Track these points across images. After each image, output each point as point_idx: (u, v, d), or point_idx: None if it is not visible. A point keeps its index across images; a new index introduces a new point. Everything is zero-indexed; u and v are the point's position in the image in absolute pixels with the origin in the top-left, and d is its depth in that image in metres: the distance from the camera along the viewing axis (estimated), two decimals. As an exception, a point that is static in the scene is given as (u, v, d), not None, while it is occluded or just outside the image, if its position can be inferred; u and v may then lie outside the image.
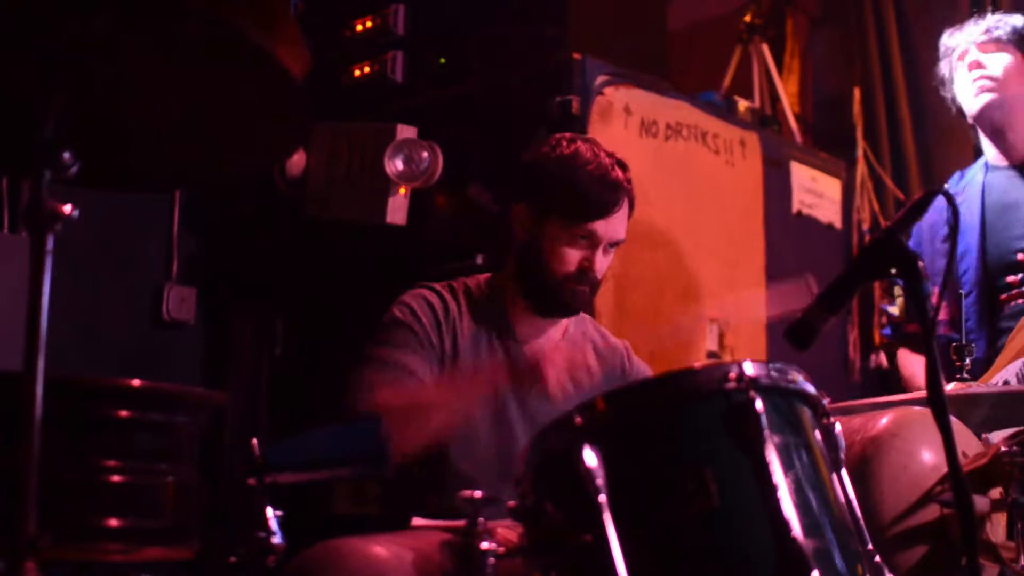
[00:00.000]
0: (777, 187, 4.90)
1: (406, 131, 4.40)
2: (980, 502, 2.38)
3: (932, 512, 2.38)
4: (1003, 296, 3.78)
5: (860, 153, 5.38)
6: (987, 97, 3.87)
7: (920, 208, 2.01)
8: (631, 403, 2.11)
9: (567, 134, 3.22)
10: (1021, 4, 5.19)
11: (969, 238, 3.87)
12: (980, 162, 4.05)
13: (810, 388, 2.16)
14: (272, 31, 1.75)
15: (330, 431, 2.23)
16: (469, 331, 3.14)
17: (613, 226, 3.13)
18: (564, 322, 3.29)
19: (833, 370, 4.97)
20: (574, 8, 4.55)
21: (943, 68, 4.05)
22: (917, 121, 5.64)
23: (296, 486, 2.17)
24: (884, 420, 2.50)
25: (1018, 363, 3.56)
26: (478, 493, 2.12)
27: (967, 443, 2.54)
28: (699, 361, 3.97)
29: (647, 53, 5.01)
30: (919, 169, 5.58)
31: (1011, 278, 3.76)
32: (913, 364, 4.00)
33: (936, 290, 3.87)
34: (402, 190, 4.38)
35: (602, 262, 3.15)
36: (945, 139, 5.49)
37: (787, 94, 5.64)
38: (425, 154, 4.32)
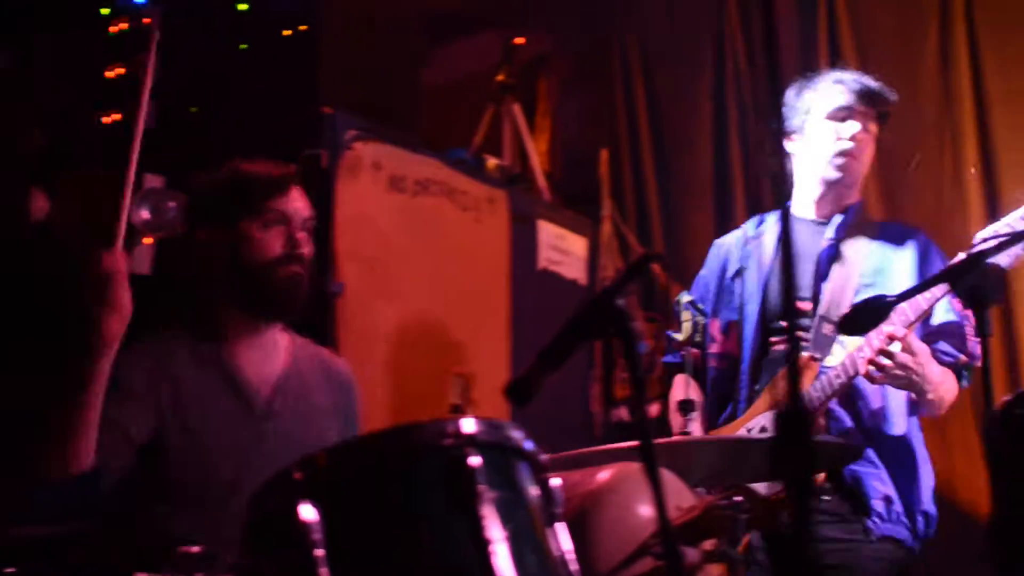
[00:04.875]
0: (524, 244, 4.99)
1: (153, 180, 4.34)
2: (692, 554, 2.46)
3: (646, 564, 2.45)
4: (774, 339, 3.91)
5: (606, 212, 5.50)
6: (853, 165, 3.96)
7: (634, 272, 2.08)
8: (350, 458, 2.13)
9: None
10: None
11: (757, 280, 3.98)
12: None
13: (528, 445, 2.21)
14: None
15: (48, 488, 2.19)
16: (191, 377, 3.13)
17: (296, 203, 3.22)
18: (286, 343, 3.31)
19: (575, 424, 5.06)
20: (327, 62, 4.58)
21: (797, 108, 4.05)
22: (661, 182, 5.83)
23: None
24: (603, 475, 2.57)
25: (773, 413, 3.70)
26: (195, 548, 2.10)
27: (681, 496, 2.62)
28: (429, 416, 3.99)
29: (400, 109, 5.07)
30: (662, 228, 5.76)
31: (785, 323, 3.87)
32: (682, 388, 4.09)
33: (716, 323, 4.03)
34: (147, 240, 4.31)
35: (305, 240, 3.20)
36: (687, 199, 5.68)
37: (537, 153, 5.75)
38: (172, 204, 4.27)
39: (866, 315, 2.67)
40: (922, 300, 3.46)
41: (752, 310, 3.94)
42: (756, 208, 5.02)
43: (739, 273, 4.05)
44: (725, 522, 2.44)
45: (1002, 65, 5.18)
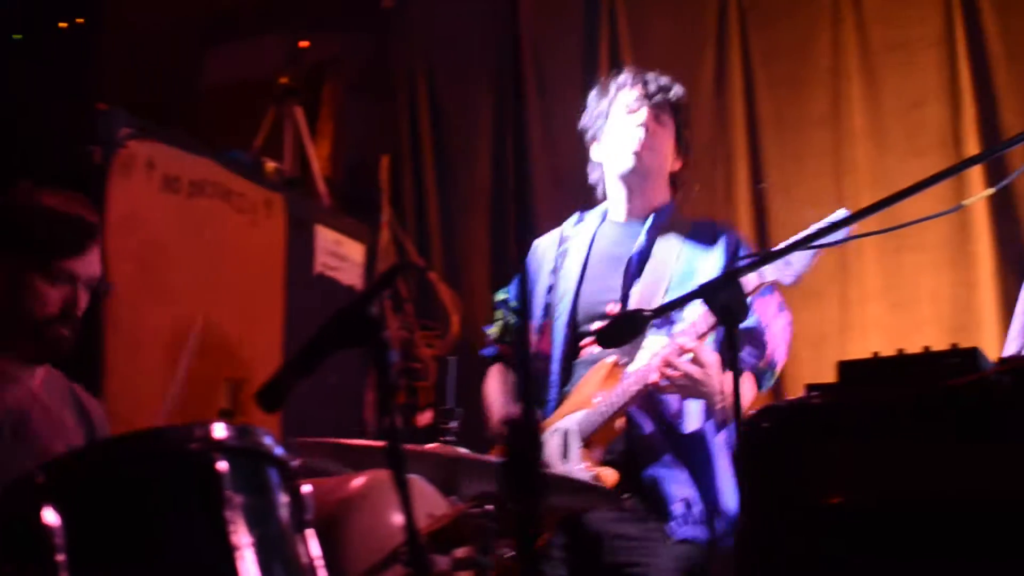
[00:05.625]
0: (301, 248, 4.97)
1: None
2: (442, 561, 2.49)
3: (396, 572, 2.47)
4: (584, 341, 3.93)
5: (385, 218, 5.52)
6: (646, 159, 3.99)
7: (387, 281, 2.10)
8: (94, 461, 2.10)
9: (27, 183, 3.22)
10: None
11: (569, 283, 4.00)
12: (599, 210, 4.16)
13: (279, 450, 2.21)
14: None
15: None
16: None
17: (90, 266, 3.14)
18: (40, 372, 3.25)
19: (351, 431, 5.05)
20: (103, 59, 4.48)
21: (593, 115, 4.09)
22: (441, 190, 5.87)
23: None
24: (356, 482, 2.59)
25: (580, 413, 3.73)
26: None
27: (435, 504, 2.64)
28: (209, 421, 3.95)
29: (180, 109, 5.00)
30: (440, 236, 5.80)
31: (595, 327, 3.91)
32: (497, 388, 4.10)
33: (533, 324, 4.05)
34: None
35: (83, 301, 3.15)
36: (466, 208, 5.73)
37: (319, 158, 5.73)
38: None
39: (624, 328, 2.73)
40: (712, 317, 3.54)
41: (563, 311, 3.96)
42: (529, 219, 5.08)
43: (553, 273, 4.08)
44: (476, 530, 2.46)
45: (773, 90, 5.37)
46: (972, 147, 4.89)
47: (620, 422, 3.72)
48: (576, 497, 3.35)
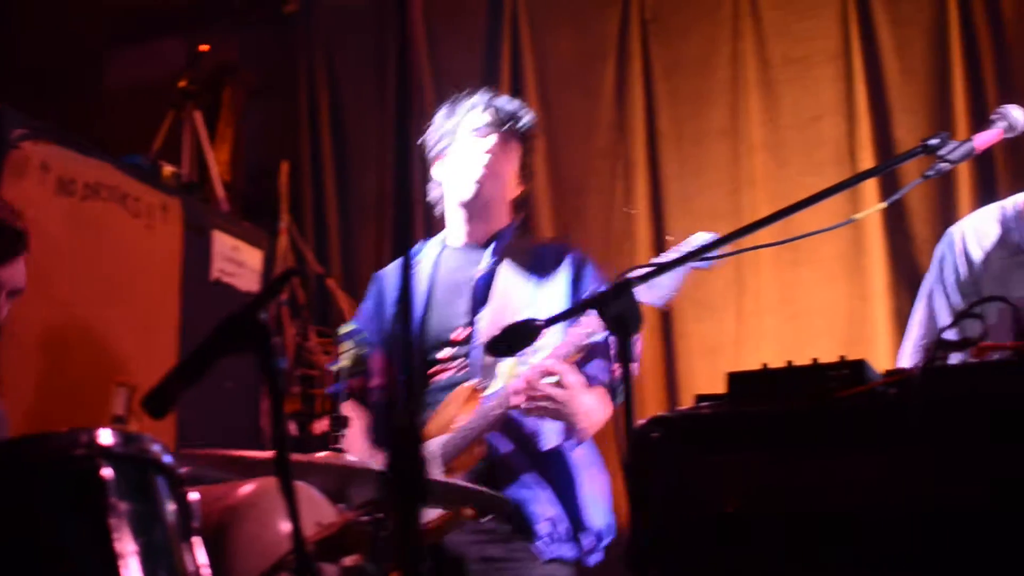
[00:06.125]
0: (197, 254, 4.91)
1: None
2: (329, 570, 2.47)
3: (283, 580, 2.45)
4: (432, 371, 3.91)
5: (283, 225, 5.48)
6: (489, 186, 3.97)
7: (278, 287, 2.08)
8: (-26, 467, 2.06)
9: None
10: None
11: (415, 312, 3.97)
12: (439, 238, 4.14)
13: (167, 458, 2.19)
14: None
15: None
16: None
17: (16, 275, 3.08)
18: None
19: (246, 438, 5.00)
20: (-1, 56, 4.41)
21: (439, 133, 4.08)
22: (341, 198, 5.84)
23: None
24: (244, 489, 2.56)
25: (442, 439, 3.72)
26: None
27: (323, 512, 2.63)
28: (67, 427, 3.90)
29: (78, 111, 4.93)
30: (340, 244, 5.77)
31: (442, 355, 3.90)
32: (352, 422, 4.06)
33: (377, 354, 4.01)
34: None
35: (4, 310, 3.09)
36: (365, 217, 5.71)
37: (218, 163, 5.68)
38: None
39: (515, 338, 2.73)
40: (582, 334, 3.55)
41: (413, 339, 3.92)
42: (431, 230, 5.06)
43: (395, 302, 4.05)
44: (364, 538, 2.45)
45: (673, 102, 5.42)
46: (867, 162, 4.97)
47: (481, 447, 3.71)
48: (462, 502, 3.34)
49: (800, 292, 5.09)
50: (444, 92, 5.63)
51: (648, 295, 3.39)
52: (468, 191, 3.98)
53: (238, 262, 5.13)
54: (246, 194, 5.89)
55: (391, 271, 4.19)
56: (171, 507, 2.19)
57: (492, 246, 4.00)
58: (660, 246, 5.27)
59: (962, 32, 4.98)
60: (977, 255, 3.44)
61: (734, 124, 5.28)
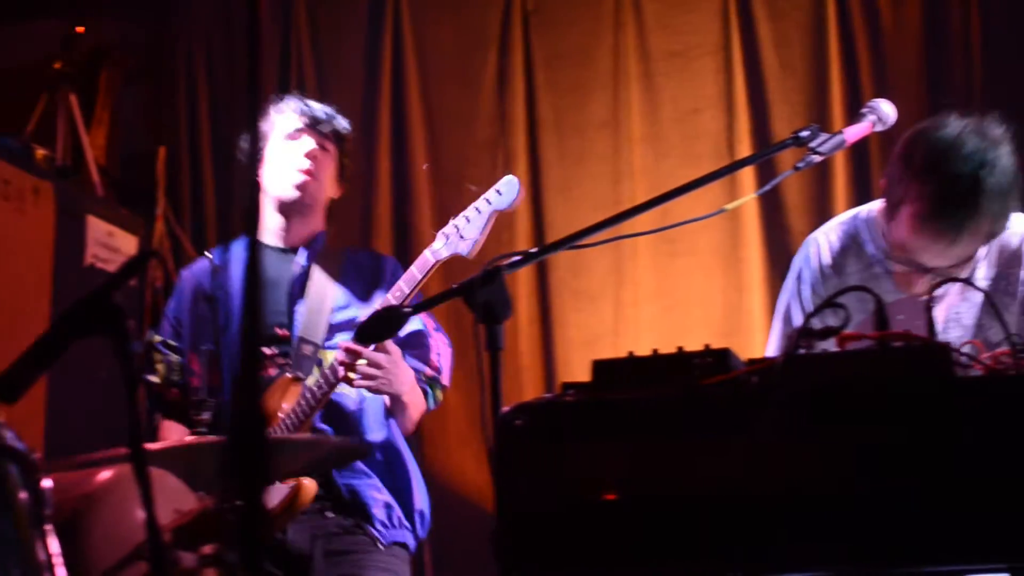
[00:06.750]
0: (71, 239, 4.80)
1: None
2: (187, 558, 2.43)
3: (141, 569, 2.41)
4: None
5: (160, 211, 5.40)
6: (310, 187, 3.96)
7: (133, 269, 2.04)
8: None
9: None
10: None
11: (231, 309, 3.94)
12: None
13: (19, 445, 2.14)
14: None
15: None
16: None
17: None
18: None
19: (120, 427, 4.91)
20: None
21: (261, 139, 4.04)
22: (220, 184, 5.77)
23: None
24: (101, 476, 2.51)
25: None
26: None
27: (182, 499, 2.59)
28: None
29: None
30: (217, 230, 5.70)
31: (266, 351, 3.88)
32: (172, 433, 4.00)
33: (195, 356, 3.98)
34: None
35: None
36: (242, 204, 5.64)
37: (94, 147, 5.57)
38: None
39: (382, 324, 2.71)
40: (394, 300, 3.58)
41: (230, 340, 3.90)
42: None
43: (210, 302, 4.01)
44: (223, 526, 2.42)
45: (554, 93, 5.43)
46: (746, 154, 5.03)
47: (308, 433, 3.72)
48: (311, 453, 3.35)
49: (678, 283, 5.13)
50: (327, 83, 5.65)
51: (460, 246, 3.47)
52: (288, 192, 3.99)
53: (113, 248, 5.04)
54: (122, 179, 5.78)
55: (197, 270, 4.18)
56: (23, 495, 2.13)
57: (307, 249, 4.03)
58: (539, 234, 5.29)
59: (839, 26, 5.07)
60: (833, 268, 3.46)
61: (614, 116, 5.31)
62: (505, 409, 2.32)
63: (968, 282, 3.23)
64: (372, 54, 5.64)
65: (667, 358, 2.26)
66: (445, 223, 5.18)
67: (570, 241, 2.88)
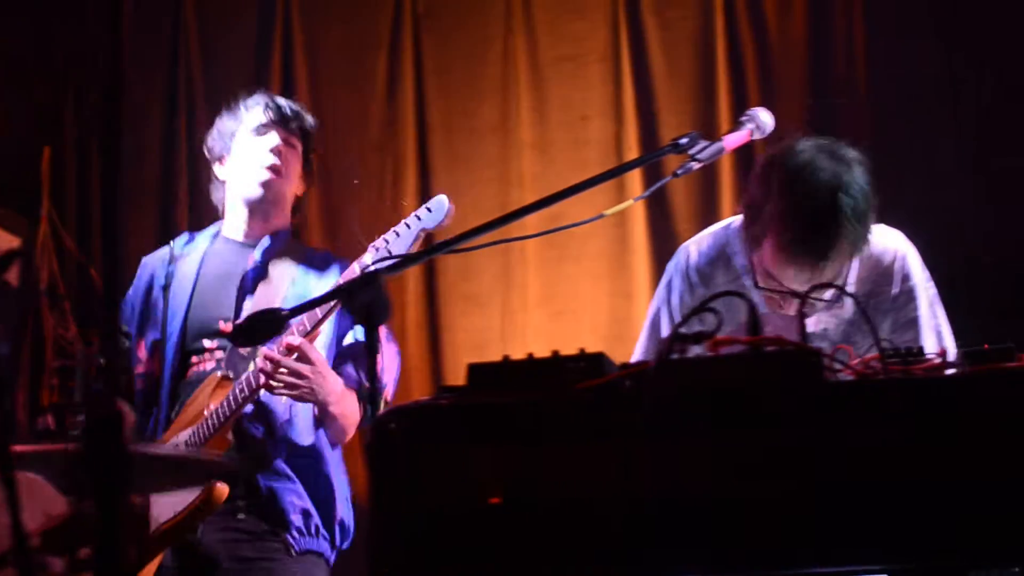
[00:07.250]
0: (-51, 239, 4.74)
1: None
2: (56, 563, 2.40)
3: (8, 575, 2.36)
4: (194, 359, 3.86)
5: (44, 212, 5.32)
6: (275, 184, 3.95)
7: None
8: None
9: None
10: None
11: (180, 303, 3.92)
12: (211, 230, 4.10)
13: None
14: None
15: None
16: None
17: None
18: None
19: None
20: None
21: (222, 135, 4.09)
22: (106, 184, 5.68)
23: None
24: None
25: (190, 430, 3.67)
26: None
27: (52, 503, 2.55)
28: None
29: None
30: (104, 232, 5.62)
31: (208, 344, 3.86)
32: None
33: (142, 342, 3.94)
34: None
35: None
36: (130, 206, 5.57)
37: (-26, 146, 5.48)
38: None
39: (260, 326, 2.69)
40: (318, 310, 3.55)
41: (173, 330, 3.89)
42: (198, 221, 4.96)
43: (163, 291, 3.99)
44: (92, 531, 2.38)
45: (444, 97, 5.42)
46: (634, 161, 5.03)
47: (229, 434, 3.69)
48: (181, 476, 3.32)
49: (566, 288, 5.15)
50: (214, 82, 5.59)
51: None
52: (254, 189, 3.99)
53: (-7, 248, 4.96)
54: (4, 179, 5.68)
55: (155, 258, 4.14)
56: None
57: (267, 242, 3.99)
58: (427, 240, 5.27)
59: (727, 35, 5.11)
60: (701, 279, 3.49)
61: (504, 120, 5.32)
62: (380, 413, 2.32)
63: (842, 289, 3.25)
64: (261, 54, 5.60)
65: (542, 362, 2.26)
66: (335, 227, 5.21)
67: (450, 244, 2.89)
